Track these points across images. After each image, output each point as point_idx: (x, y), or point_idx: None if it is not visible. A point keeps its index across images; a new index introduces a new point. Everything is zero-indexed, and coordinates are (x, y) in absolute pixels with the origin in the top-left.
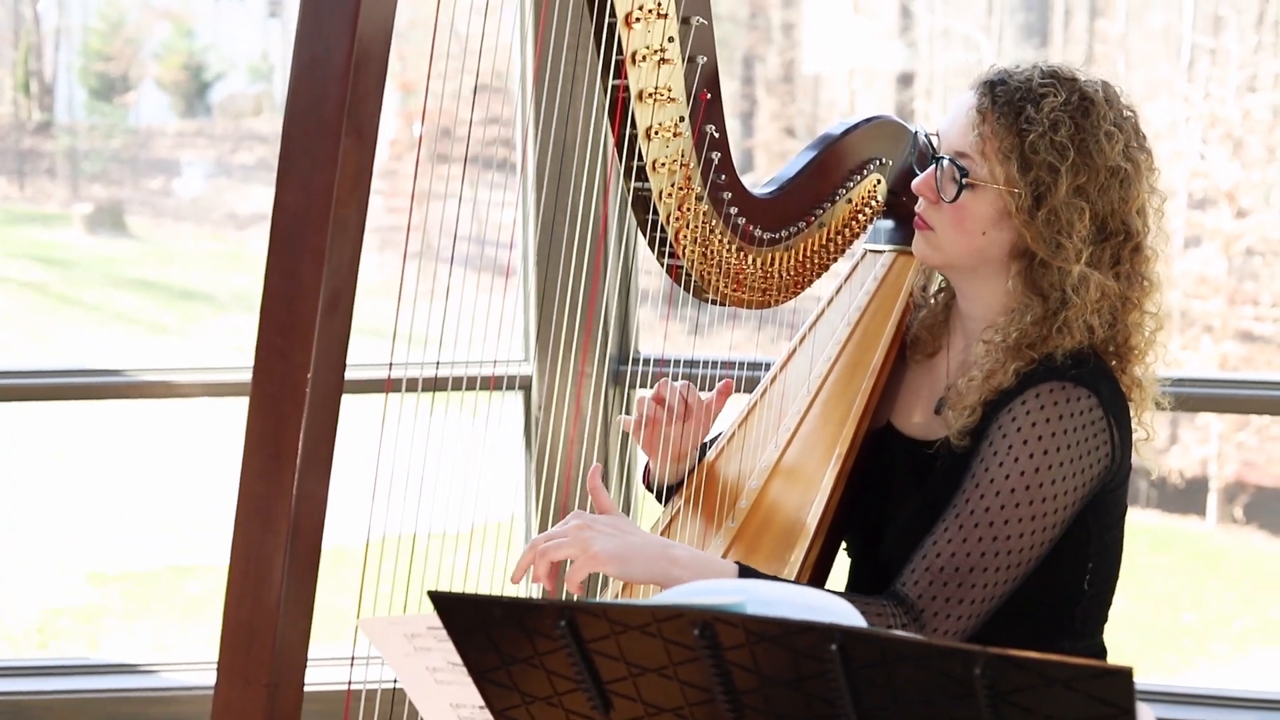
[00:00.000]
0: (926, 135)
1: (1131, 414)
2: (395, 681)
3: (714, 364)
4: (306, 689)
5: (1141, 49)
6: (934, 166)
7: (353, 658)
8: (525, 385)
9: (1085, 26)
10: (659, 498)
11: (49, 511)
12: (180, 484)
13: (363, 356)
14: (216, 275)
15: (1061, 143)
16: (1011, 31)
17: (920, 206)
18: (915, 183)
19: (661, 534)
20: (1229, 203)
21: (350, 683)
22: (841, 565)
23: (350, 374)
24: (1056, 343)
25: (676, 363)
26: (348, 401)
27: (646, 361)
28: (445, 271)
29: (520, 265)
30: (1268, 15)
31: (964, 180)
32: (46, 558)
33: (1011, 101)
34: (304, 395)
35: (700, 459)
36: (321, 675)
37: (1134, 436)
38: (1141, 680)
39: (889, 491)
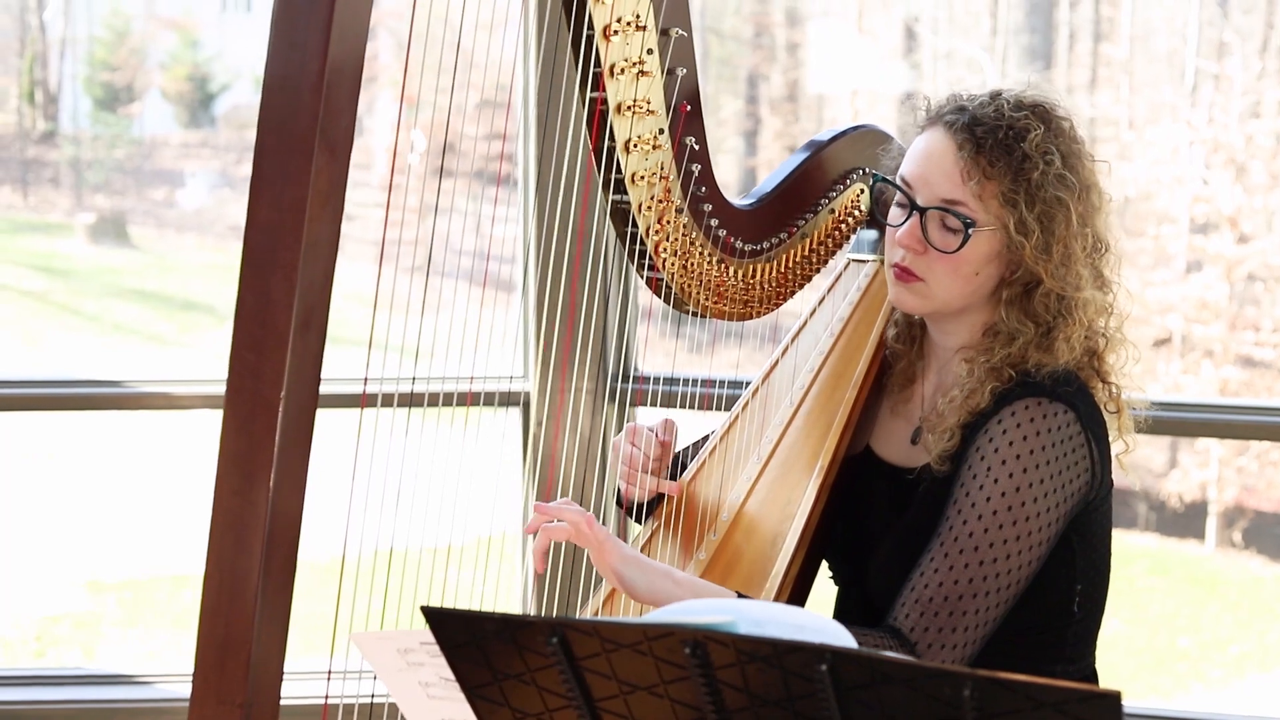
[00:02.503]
0: (884, 179)
1: (1111, 427)
2: (373, 696)
3: (714, 382)
4: (284, 702)
5: (1145, 73)
6: (915, 217)
7: (329, 671)
8: (524, 401)
9: (1089, 50)
10: (635, 517)
11: (48, 520)
12: (178, 494)
13: (373, 371)
14: (218, 287)
15: (1060, 173)
16: (1015, 53)
17: (902, 259)
18: (899, 236)
19: (641, 549)
20: (1231, 228)
21: (327, 697)
22: (824, 588)
23: (351, 389)
24: (1041, 361)
25: (675, 380)
26: (349, 415)
27: (646, 379)
28: (444, 285)
29: (520, 281)
30: (1272, 42)
31: (970, 230)
32: (45, 566)
33: (999, 141)
34: (277, 413)
35: (677, 472)
36: (299, 689)
37: (1114, 450)
38: (1136, 703)
39: (870, 520)
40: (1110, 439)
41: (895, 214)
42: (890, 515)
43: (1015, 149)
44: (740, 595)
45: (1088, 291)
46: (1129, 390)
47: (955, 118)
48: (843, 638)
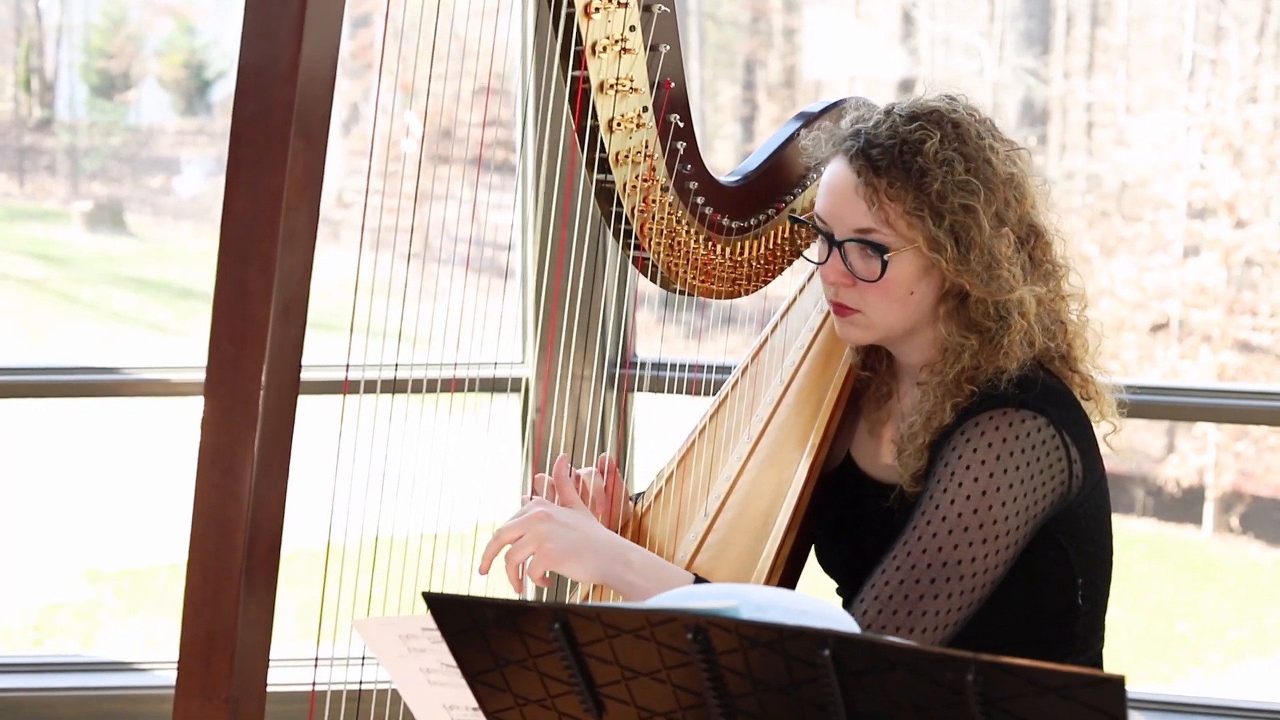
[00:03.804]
0: (799, 220)
1: (1092, 413)
2: (360, 683)
3: (709, 368)
4: (271, 689)
5: (1142, 58)
6: (834, 252)
7: (316, 659)
8: (522, 386)
9: (1086, 35)
10: None
11: (47, 508)
12: (177, 482)
13: (371, 357)
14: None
15: (963, 179)
16: (1013, 39)
17: (834, 295)
18: (824, 274)
19: (633, 534)
20: (1228, 213)
21: (315, 684)
22: (816, 569)
23: (345, 374)
24: (1000, 367)
25: (671, 366)
26: (349, 400)
27: (644, 365)
28: (441, 272)
29: (519, 267)
30: (1269, 26)
31: (886, 256)
32: (44, 554)
33: (894, 160)
34: (257, 406)
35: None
36: (287, 676)
37: (1102, 431)
38: (1135, 688)
39: (863, 538)
40: (1094, 421)
41: (820, 250)
42: (881, 536)
43: (912, 164)
44: (698, 580)
45: (1022, 290)
46: (1101, 374)
47: (852, 144)
48: (846, 623)
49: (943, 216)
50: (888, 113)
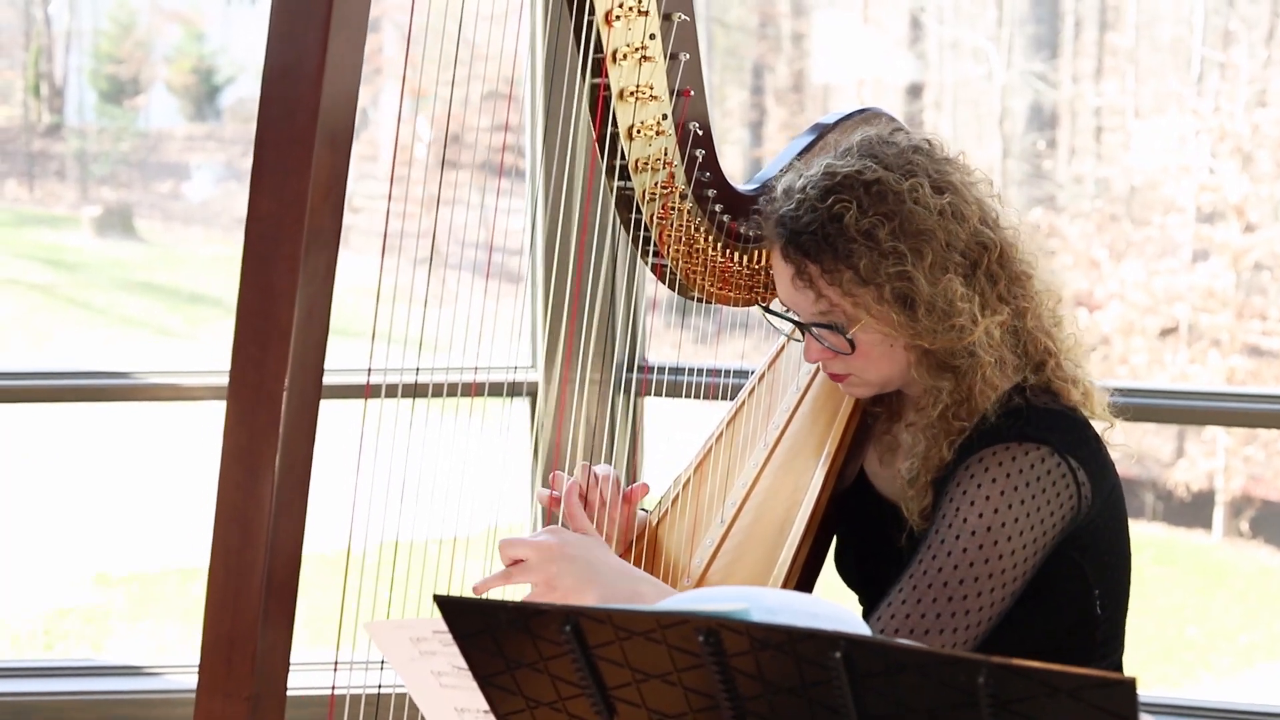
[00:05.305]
0: (771, 311)
1: (1088, 413)
2: (380, 686)
3: (721, 372)
4: (290, 693)
5: (1151, 62)
6: (807, 334)
7: (336, 662)
8: (532, 391)
9: (1095, 39)
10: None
11: (56, 513)
12: (187, 486)
13: (378, 362)
14: (225, 279)
15: (889, 246)
16: (1021, 43)
17: (824, 367)
18: (806, 355)
19: (657, 523)
20: (1237, 217)
21: (334, 687)
22: (832, 574)
23: (357, 380)
24: (984, 399)
25: (682, 370)
26: (357, 406)
27: (654, 369)
28: (452, 277)
29: (528, 272)
30: (1278, 30)
31: (848, 335)
32: (53, 559)
33: (820, 243)
34: (280, 406)
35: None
36: (306, 680)
37: (1101, 428)
38: (1144, 692)
39: (884, 560)
40: (1088, 419)
41: (796, 332)
42: (893, 563)
43: (838, 243)
44: None
45: (981, 329)
46: (1085, 372)
47: (780, 232)
48: (858, 626)
49: (880, 286)
50: (803, 190)
